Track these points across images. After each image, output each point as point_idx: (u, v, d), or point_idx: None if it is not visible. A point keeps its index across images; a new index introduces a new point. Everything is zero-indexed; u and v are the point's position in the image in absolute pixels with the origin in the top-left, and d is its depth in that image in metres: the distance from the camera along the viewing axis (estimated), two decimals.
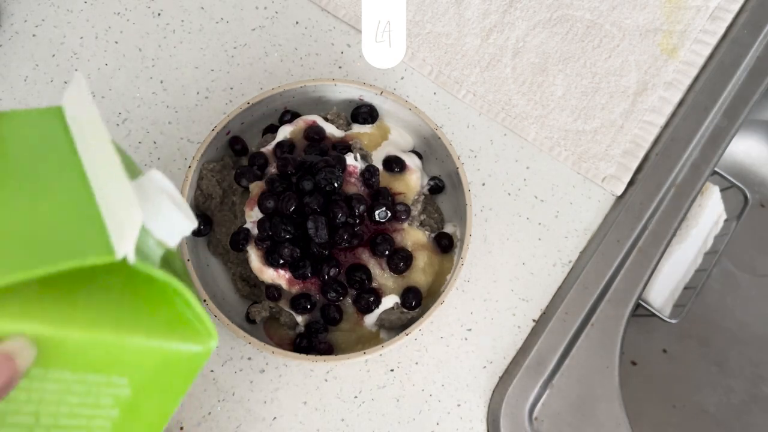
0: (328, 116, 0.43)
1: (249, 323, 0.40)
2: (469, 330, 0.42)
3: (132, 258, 0.20)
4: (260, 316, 0.40)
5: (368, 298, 0.38)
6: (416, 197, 0.42)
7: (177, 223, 0.22)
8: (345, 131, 0.43)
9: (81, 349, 0.21)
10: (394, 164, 0.41)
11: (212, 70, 0.48)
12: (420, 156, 0.44)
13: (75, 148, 0.24)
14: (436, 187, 0.43)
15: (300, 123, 0.42)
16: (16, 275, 0.18)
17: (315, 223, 0.37)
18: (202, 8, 0.50)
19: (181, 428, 0.39)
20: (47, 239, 0.20)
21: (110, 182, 0.21)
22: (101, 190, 0.22)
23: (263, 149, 0.41)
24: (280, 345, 0.39)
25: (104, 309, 0.22)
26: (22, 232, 0.20)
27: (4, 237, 0.20)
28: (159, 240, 0.22)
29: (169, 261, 0.25)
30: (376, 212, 0.39)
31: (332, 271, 0.38)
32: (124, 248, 0.20)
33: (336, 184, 0.38)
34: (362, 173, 0.40)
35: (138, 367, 0.23)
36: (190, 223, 0.22)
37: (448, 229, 0.42)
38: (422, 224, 0.41)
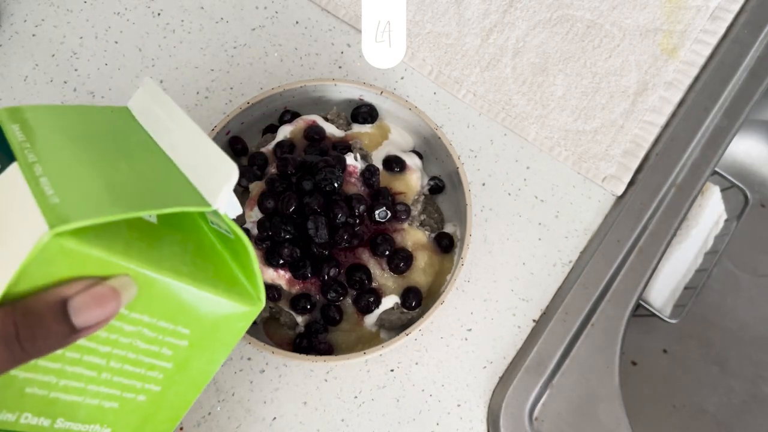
0: (328, 116, 0.43)
1: None
2: (470, 330, 0.42)
3: (223, 210, 0.23)
4: (260, 317, 0.40)
5: (368, 299, 0.38)
6: (416, 197, 0.42)
7: (233, 203, 0.25)
8: (345, 131, 0.43)
9: (161, 294, 0.23)
10: (394, 164, 0.41)
11: (212, 70, 0.48)
12: (420, 156, 0.44)
13: (150, 135, 0.27)
14: (436, 187, 0.43)
15: (300, 123, 0.42)
16: (132, 213, 0.20)
17: (315, 223, 0.37)
18: (202, 8, 0.50)
19: (181, 428, 0.39)
20: (151, 191, 0.23)
21: (196, 152, 0.25)
22: (186, 163, 0.25)
23: (263, 149, 0.41)
24: (280, 345, 0.39)
25: (181, 260, 0.24)
26: (130, 184, 0.23)
27: (116, 185, 0.22)
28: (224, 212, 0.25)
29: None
30: (376, 212, 0.39)
31: (332, 272, 0.38)
32: (219, 202, 0.23)
33: (336, 184, 0.38)
34: (362, 173, 0.40)
35: (200, 321, 0.25)
36: (239, 207, 0.25)
37: (448, 229, 0.42)
38: (422, 224, 0.41)
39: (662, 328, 0.54)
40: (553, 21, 0.50)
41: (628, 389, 0.42)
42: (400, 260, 0.39)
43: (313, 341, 0.39)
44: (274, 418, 0.40)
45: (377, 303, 0.38)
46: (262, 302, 0.26)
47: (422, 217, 0.42)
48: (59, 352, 0.21)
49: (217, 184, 0.23)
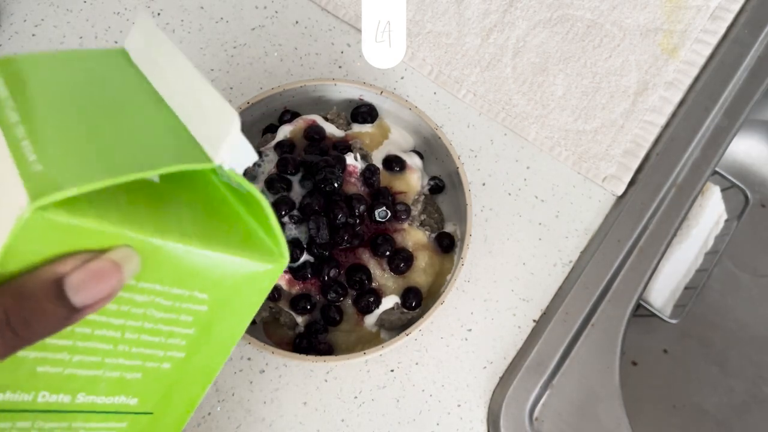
0: (328, 116, 0.43)
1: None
2: (470, 330, 0.42)
3: (228, 165, 0.21)
4: (260, 317, 0.40)
5: (368, 299, 0.38)
6: (416, 197, 0.42)
7: (244, 151, 0.23)
8: (345, 131, 0.43)
9: (170, 261, 0.21)
10: (395, 163, 0.41)
11: (212, 70, 0.48)
12: (421, 156, 0.44)
13: (148, 81, 0.24)
14: (436, 187, 0.43)
15: (300, 122, 0.42)
16: (123, 177, 0.18)
17: (316, 224, 0.37)
18: (202, 8, 0.50)
19: None
20: (147, 148, 0.21)
21: (194, 100, 0.22)
22: (186, 113, 0.23)
23: (263, 149, 0.41)
24: (280, 345, 0.39)
25: (190, 222, 0.22)
26: (124, 142, 0.21)
27: (108, 144, 0.20)
28: (229, 168, 0.23)
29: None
30: (376, 212, 0.39)
31: (332, 272, 0.38)
32: (221, 156, 0.21)
33: (336, 184, 0.38)
34: (362, 173, 0.40)
35: (218, 284, 0.23)
36: (254, 154, 0.23)
37: (448, 229, 0.42)
38: (422, 224, 0.41)
39: (662, 328, 0.54)
40: (554, 21, 0.50)
41: (628, 389, 0.42)
42: (400, 260, 0.39)
43: (313, 341, 0.39)
44: (274, 418, 0.40)
45: (377, 303, 0.38)
46: (286, 258, 0.24)
47: (422, 217, 0.42)
48: (67, 329, 0.20)
49: (219, 136, 0.21)
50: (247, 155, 0.22)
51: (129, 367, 0.23)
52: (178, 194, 0.23)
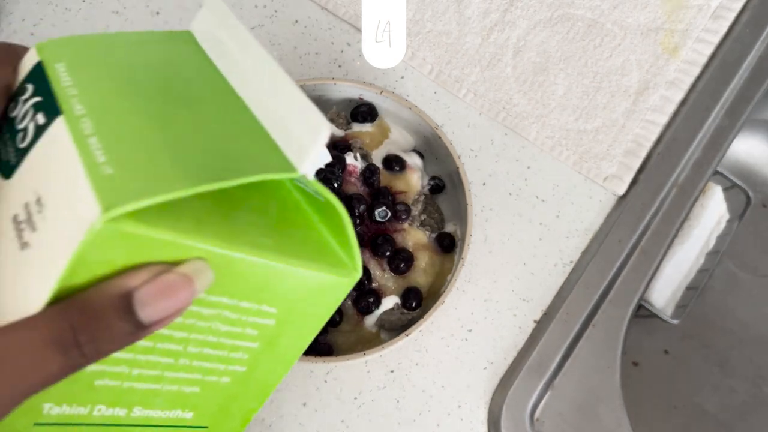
0: (328, 115, 0.43)
1: None
2: (470, 331, 0.42)
3: (312, 175, 0.19)
4: None
5: (368, 299, 0.38)
6: (417, 197, 0.41)
7: (320, 155, 0.21)
8: (345, 130, 0.43)
9: (242, 273, 0.20)
10: (395, 163, 0.41)
11: None
12: (421, 155, 0.44)
13: (218, 69, 0.22)
14: (436, 187, 0.43)
15: None
16: (204, 186, 0.17)
17: None
18: (201, 7, 0.49)
19: None
20: (223, 151, 0.19)
21: (275, 97, 0.20)
22: (263, 110, 0.21)
23: None
24: None
25: (262, 231, 0.20)
26: (198, 142, 0.19)
27: (181, 146, 0.18)
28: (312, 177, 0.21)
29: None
30: (376, 211, 0.38)
31: None
32: (306, 165, 0.19)
33: (336, 184, 0.38)
34: (362, 172, 0.40)
35: (286, 298, 0.21)
36: (328, 155, 0.21)
37: (449, 228, 0.42)
38: (422, 224, 0.41)
39: (664, 329, 0.53)
40: (554, 20, 0.49)
41: (629, 390, 0.41)
42: (400, 261, 0.38)
43: (313, 342, 0.39)
44: (274, 419, 0.40)
45: (377, 304, 0.38)
46: (359, 272, 0.23)
47: (422, 217, 0.42)
48: None
49: (303, 143, 0.19)
50: (322, 158, 0.21)
51: (188, 380, 0.21)
52: (251, 198, 0.21)
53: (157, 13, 0.49)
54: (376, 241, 0.38)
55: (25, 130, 0.18)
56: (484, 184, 0.45)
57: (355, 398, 0.41)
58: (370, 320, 0.39)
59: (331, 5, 0.49)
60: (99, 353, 0.17)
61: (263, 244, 0.20)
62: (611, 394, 0.41)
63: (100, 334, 0.17)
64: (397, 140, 0.44)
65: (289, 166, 0.19)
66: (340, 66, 0.48)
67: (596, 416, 0.40)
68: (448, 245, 0.40)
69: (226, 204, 0.20)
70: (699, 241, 0.51)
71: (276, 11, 0.50)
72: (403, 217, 0.39)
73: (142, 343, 0.19)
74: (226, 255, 0.19)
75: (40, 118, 0.18)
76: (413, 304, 0.39)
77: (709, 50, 0.49)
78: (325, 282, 0.22)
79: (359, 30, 0.49)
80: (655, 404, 0.52)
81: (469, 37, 0.49)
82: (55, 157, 0.17)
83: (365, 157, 0.41)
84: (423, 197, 0.42)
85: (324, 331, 0.39)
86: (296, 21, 0.49)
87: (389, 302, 0.38)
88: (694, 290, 0.51)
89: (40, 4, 0.49)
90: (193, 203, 0.18)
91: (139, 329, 0.18)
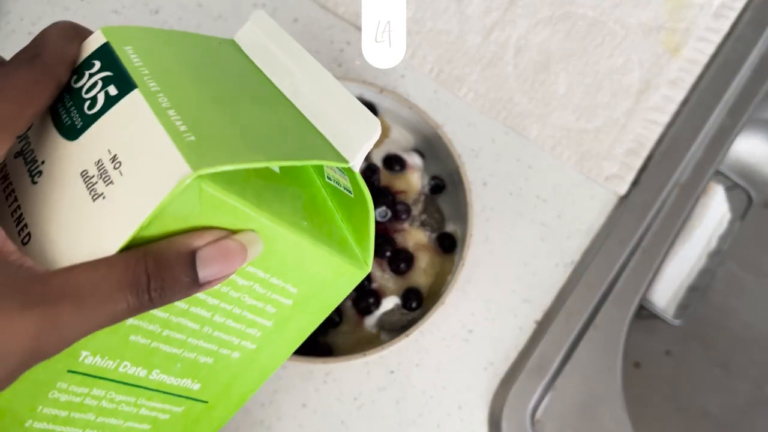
0: None
1: None
2: (470, 331, 0.42)
3: (358, 167, 0.22)
4: None
5: (368, 300, 0.38)
6: (417, 197, 0.41)
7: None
8: None
9: (281, 250, 0.21)
10: (395, 162, 0.41)
11: None
12: (422, 155, 0.43)
13: (264, 74, 0.24)
14: (436, 187, 0.43)
15: None
16: (276, 162, 0.19)
17: None
18: (200, 5, 0.49)
19: None
20: (283, 138, 0.21)
21: (327, 100, 0.23)
22: (313, 110, 0.23)
23: None
24: None
25: (301, 215, 0.22)
26: (260, 128, 0.21)
27: (247, 126, 0.20)
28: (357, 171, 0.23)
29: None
30: (376, 211, 0.38)
31: None
32: (357, 159, 0.21)
33: None
34: (363, 172, 0.39)
35: (308, 280, 0.23)
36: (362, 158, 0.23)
37: (449, 229, 0.42)
38: (423, 224, 0.41)
39: (665, 330, 0.53)
40: (555, 19, 0.49)
41: (630, 391, 0.41)
42: (401, 261, 0.38)
43: (312, 343, 0.38)
44: (273, 420, 0.40)
45: (377, 304, 0.38)
46: (369, 267, 0.24)
47: (423, 217, 0.41)
48: None
49: (356, 139, 0.21)
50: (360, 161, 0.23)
51: (206, 350, 0.22)
52: (292, 187, 0.23)
53: (156, 12, 0.49)
54: (377, 241, 0.38)
55: (93, 99, 0.20)
56: (484, 183, 0.45)
57: (355, 399, 0.40)
58: (370, 321, 0.38)
59: (331, 4, 0.49)
60: (163, 300, 0.18)
61: (302, 225, 0.21)
62: (612, 395, 0.40)
63: (168, 283, 0.18)
64: (398, 140, 0.44)
65: (343, 158, 0.21)
66: (339, 65, 0.48)
67: (597, 417, 0.40)
68: (448, 245, 0.40)
69: (277, 187, 0.22)
70: (701, 241, 0.51)
71: (275, 9, 0.49)
72: (404, 216, 0.39)
73: (179, 304, 0.20)
74: (277, 230, 0.20)
75: (112, 90, 0.19)
76: (413, 305, 0.38)
77: (710, 49, 0.49)
78: (343, 270, 0.23)
79: (359, 29, 0.49)
80: (656, 405, 0.51)
81: (469, 36, 0.49)
82: (136, 123, 0.18)
83: (365, 156, 0.41)
84: (423, 197, 0.42)
85: (324, 332, 0.39)
86: (296, 19, 0.49)
87: (389, 303, 0.38)
88: (696, 290, 0.51)
89: (38, 3, 0.49)
90: (253, 180, 0.20)
91: (195, 286, 0.19)
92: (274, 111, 0.22)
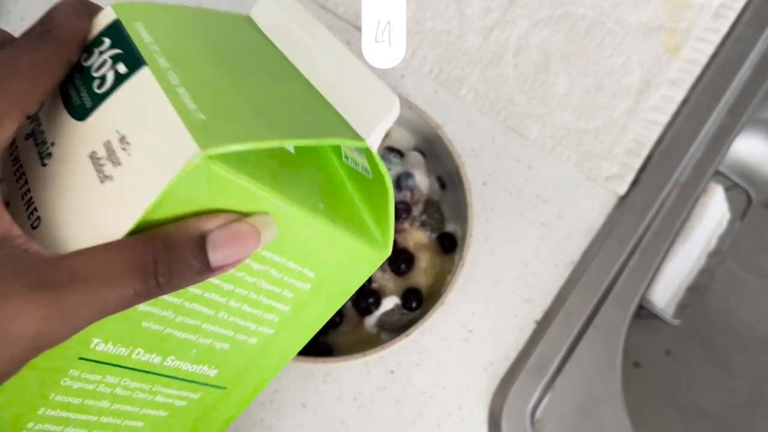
0: None
1: None
2: (470, 331, 0.42)
3: (376, 147, 0.21)
4: None
5: (368, 300, 0.38)
6: (418, 197, 0.41)
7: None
8: None
9: (297, 233, 0.20)
10: (393, 157, 0.41)
11: None
12: (423, 155, 0.43)
13: (280, 51, 0.23)
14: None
15: None
16: (290, 141, 0.18)
17: None
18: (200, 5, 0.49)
19: None
20: (298, 116, 0.20)
21: (345, 77, 0.22)
22: (330, 89, 0.22)
23: None
24: None
25: (318, 197, 0.21)
26: (275, 106, 0.20)
27: (261, 105, 0.19)
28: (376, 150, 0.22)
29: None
30: None
31: None
32: (373, 137, 0.20)
33: None
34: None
35: (325, 264, 0.22)
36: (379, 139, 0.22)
37: (449, 229, 0.42)
38: (423, 224, 0.41)
39: (665, 330, 0.53)
40: (555, 19, 0.49)
41: (630, 391, 0.41)
42: (401, 261, 0.38)
43: (312, 343, 0.38)
44: (273, 420, 0.40)
45: (377, 304, 0.38)
46: (389, 250, 0.23)
47: (423, 217, 0.41)
48: None
49: (374, 117, 0.20)
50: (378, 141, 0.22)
51: (221, 336, 0.22)
52: (308, 167, 0.22)
53: None
54: None
55: (102, 77, 0.19)
56: (484, 183, 0.45)
57: (355, 399, 0.40)
58: (370, 321, 0.38)
59: (331, 3, 0.49)
60: (171, 286, 0.18)
61: (319, 208, 0.21)
62: (612, 395, 0.40)
63: (177, 267, 0.17)
64: (398, 140, 0.44)
65: (359, 137, 0.20)
66: None
67: (597, 417, 0.40)
68: (448, 245, 0.40)
69: (294, 168, 0.21)
70: (700, 241, 0.51)
71: None
72: (404, 216, 0.39)
73: (192, 289, 0.19)
74: (292, 212, 0.19)
75: (121, 68, 0.19)
76: (413, 305, 0.38)
77: (710, 49, 0.49)
78: (361, 253, 0.23)
79: (359, 29, 0.49)
80: (656, 405, 0.51)
81: (469, 36, 0.49)
82: (144, 102, 0.18)
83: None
84: (423, 197, 0.42)
85: (324, 332, 0.38)
86: None
87: (389, 303, 0.38)
88: (696, 291, 0.51)
89: (38, 3, 0.49)
90: (267, 160, 0.19)
91: (206, 270, 0.18)
92: (288, 89, 0.22)
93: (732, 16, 0.49)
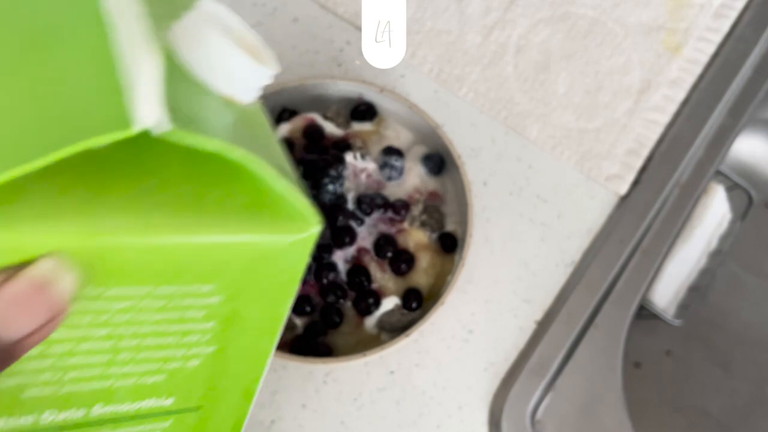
0: (327, 114, 0.43)
1: None
2: (471, 331, 0.42)
3: (163, 126, 0.14)
4: None
5: (368, 300, 0.38)
6: (417, 197, 0.41)
7: (248, 70, 0.16)
8: (344, 129, 0.43)
9: (143, 258, 0.17)
10: (393, 160, 0.41)
11: None
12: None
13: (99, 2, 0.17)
14: (432, 164, 0.43)
15: (299, 121, 0.41)
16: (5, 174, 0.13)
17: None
18: None
19: None
20: (47, 121, 0.15)
21: (128, 29, 0.16)
22: (124, 48, 0.16)
23: None
24: (279, 347, 0.39)
25: (161, 198, 0.17)
26: (40, 95, 0.15)
27: (20, 100, 0.15)
28: (227, 97, 0.17)
29: (250, 125, 0.19)
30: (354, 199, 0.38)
31: (331, 275, 0.37)
32: (145, 116, 0.14)
33: (332, 186, 0.37)
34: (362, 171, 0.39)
35: (224, 271, 0.19)
36: (268, 67, 0.16)
37: (449, 229, 0.42)
38: (423, 225, 0.41)
39: (666, 330, 0.53)
40: (556, 18, 0.49)
41: (631, 391, 0.41)
42: (402, 262, 0.38)
43: (312, 343, 0.38)
44: (273, 421, 0.40)
45: (377, 304, 0.38)
46: (317, 223, 0.20)
47: (423, 217, 0.41)
48: (34, 352, 0.16)
49: (139, 85, 0.15)
50: (255, 72, 0.16)
51: (144, 372, 0.20)
52: (145, 168, 0.17)
53: None
54: (378, 242, 0.38)
55: None
56: (484, 183, 0.45)
57: (355, 400, 0.40)
58: (370, 321, 0.38)
59: (331, 3, 0.49)
60: None
61: (160, 222, 0.17)
62: (613, 395, 0.40)
63: None
64: (398, 140, 0.44)
65: (122, 124, 0.14)
66: (339, 65, 0.48)
67: (597, 418, 0.40)
68: (449, 245, 0.40)
69: (107, 180, 0.16)
70: (701, 241, 0.51)
71: (275, 9, 0.49)
72: (403, 212, 0.39)
73: (55, 349, 0.17)
74: (99, 243, 0.16)
75: None
76: (414, 305, 0.38)
77: (711, 49, 0.48)
78: (266, 242, 0.19)
79: (359, 28, 0.49)
80: (657, 406, 0.51)
81: (469, 36, 0.48)
82: None
83: (364, 156, 0.41)
84: (424, 197, 0.42)
85: (324, 332, 0.38)
86: (295, 19, 0.49)
87: (389, 303, 0.38)
88: (697, 291, 0.51)
89: None
90: (53, 179, 0.15)
91: (7, 348, 0.14)
92: (80, 57, 0.16)
93: (733, 15, 0.49)
